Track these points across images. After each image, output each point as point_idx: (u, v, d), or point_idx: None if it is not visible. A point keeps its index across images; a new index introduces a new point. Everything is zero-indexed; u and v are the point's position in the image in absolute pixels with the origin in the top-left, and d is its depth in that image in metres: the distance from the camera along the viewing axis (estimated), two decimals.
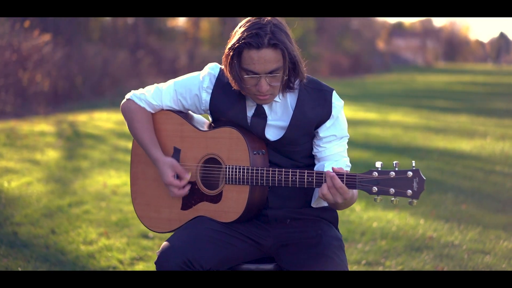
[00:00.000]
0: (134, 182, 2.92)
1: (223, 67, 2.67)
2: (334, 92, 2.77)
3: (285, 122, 2.72)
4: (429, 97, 20.94)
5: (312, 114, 2.70)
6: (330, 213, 2.81)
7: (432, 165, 8.35)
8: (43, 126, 11.44)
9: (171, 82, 2.88)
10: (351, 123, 12.93)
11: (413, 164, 2.42)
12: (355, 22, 41.90)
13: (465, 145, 10.10)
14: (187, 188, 2.75)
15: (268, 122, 2.73)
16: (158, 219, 2.84)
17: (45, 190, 6.38)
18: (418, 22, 77.73)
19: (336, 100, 2.75)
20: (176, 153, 2.81)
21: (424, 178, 2.40)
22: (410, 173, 2.41)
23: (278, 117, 2.74)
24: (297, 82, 2.71)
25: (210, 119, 2.87)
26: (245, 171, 2.63)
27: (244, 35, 2.52)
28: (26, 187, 6.45)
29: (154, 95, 2.86)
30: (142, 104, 2.86)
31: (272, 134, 2.74)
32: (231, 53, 2.56)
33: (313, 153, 2.78)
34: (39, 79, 15.88)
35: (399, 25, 76.17)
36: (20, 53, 15.46)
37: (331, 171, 2.49)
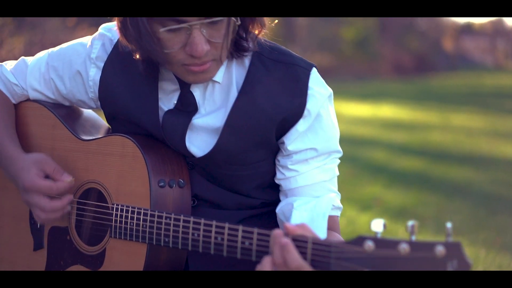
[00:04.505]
0: None
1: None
2: (314, 70, 1.63)
3: (223, 119, 1.62)
4: (498, 98, 19.36)
5: (270, 105, 1.59)
6: None
7: (499, 178, 7.08)
8: None
9: (44, 52, 1.84)
10: (407, 127, 11.72)
11: (449, 230, 1.23)
12: (421, 22, 40.42)
13: None
14: (67, 200, 1.65)
15: (194, 121, 1.63)
16: None
17: None
18: (488, 23, 75.29)
19: (316, 85, 1.62)
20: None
21: (470, 262, 1.22)
22: (440, 250, 1.22)
23: (217, 110, 1.64)
24: (251, 43, 1.61)
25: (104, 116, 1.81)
26: (141, 217, 1.55)
27: None
28: None
29: (16, 70, 1.83)
30: None
31: (199, 144, 1.65)
32: None
33: (276, 181, 1.68)
34: None
35: (469, 26, 73.99)
36: None
37: (290, 226, 1.39)
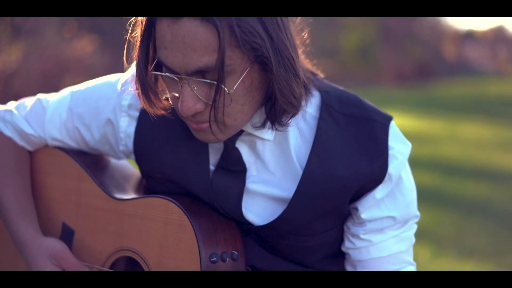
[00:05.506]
0: None
1: None
2: (392, 123, 1.40)
3: (286, 186, 1.37)
4: (503, 106, 19.09)
5: (346, 171, 1.34)
6: None
7: None
8: None
9: (66, 91, 1.54)
10: (416, 139, 11.34)
11: None
12: (422, 30, 40.36)
13: None
14: None
15: (249, 184, 1.37)
16: None
17: None
18: (489, 30, 75.46)
19: (397, 142, 1.39)
20: (66, 237, 1.48)
21: None
22: None
23: (271, 173, 1.38)
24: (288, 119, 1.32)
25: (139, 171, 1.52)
26: None
27: None
28: None
29: (31, 115, 1.53)
30: (8, 132, 1.54)
31: (258, 211, 1.39)
32: (142, 23, 1.24)
33: (343, 249, 1.44)
34: None
35: (470, 33, 74.15)
36: (64, 61, 14.69)
37: None
